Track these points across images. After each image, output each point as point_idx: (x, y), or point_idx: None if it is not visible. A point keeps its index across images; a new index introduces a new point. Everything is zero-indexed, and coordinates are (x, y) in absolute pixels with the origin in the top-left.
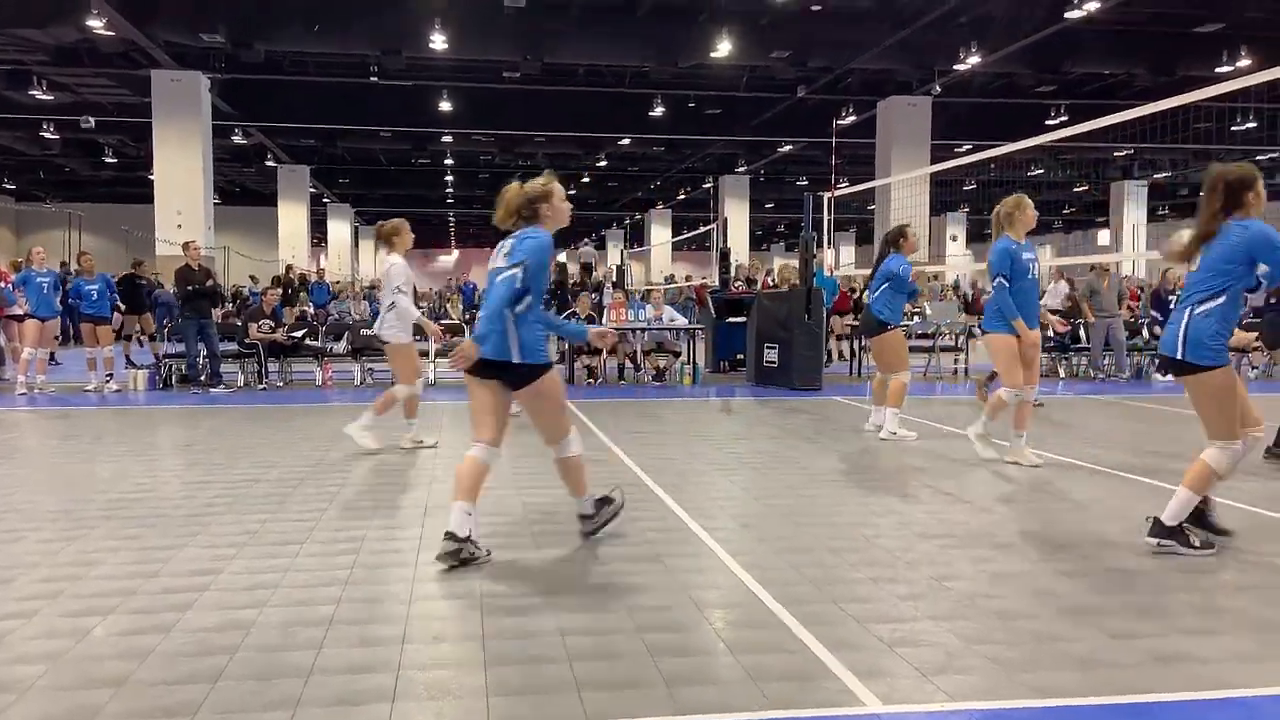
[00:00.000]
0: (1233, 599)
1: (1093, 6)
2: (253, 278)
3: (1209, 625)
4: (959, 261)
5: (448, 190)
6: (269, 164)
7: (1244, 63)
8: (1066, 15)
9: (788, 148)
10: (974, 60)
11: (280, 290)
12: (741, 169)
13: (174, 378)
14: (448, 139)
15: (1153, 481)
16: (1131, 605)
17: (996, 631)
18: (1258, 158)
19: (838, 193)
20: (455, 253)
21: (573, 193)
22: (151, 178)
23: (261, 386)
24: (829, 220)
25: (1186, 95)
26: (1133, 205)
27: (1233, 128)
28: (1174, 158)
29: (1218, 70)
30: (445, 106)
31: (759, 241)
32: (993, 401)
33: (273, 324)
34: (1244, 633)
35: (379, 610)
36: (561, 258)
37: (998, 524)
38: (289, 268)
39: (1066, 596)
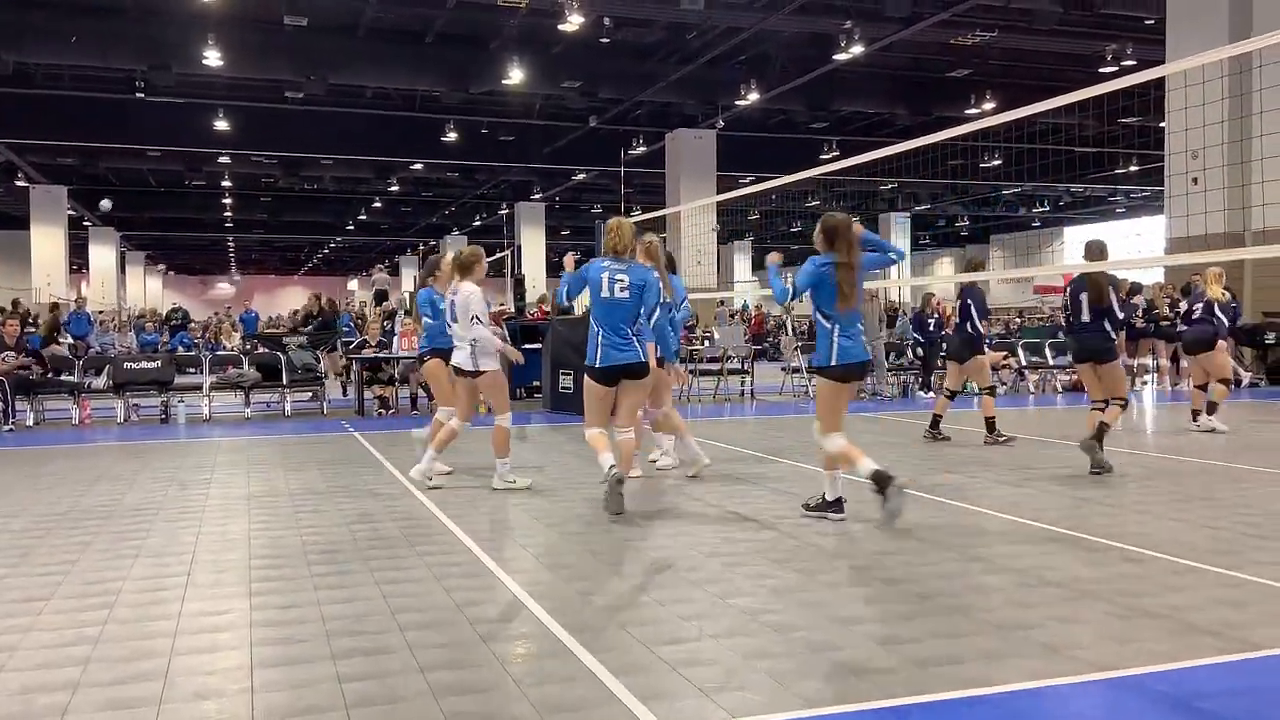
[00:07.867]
0: (985, 600)
1: (857, 50)
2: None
3: (961, 628)
4: (745, 287)
5: (226, 214)
6: (20, 184)
7: (988, 105)
8: (835, 58)
9: (581, 176)
10: (753, 97)
11: (19, 320)
12: (537, 196)
13: None
14: (225, 160)
15: (914, 493)
16: (896, 613)
17: (774, 645)
18: (1003, 192)
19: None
20: (238, 278)
21: (364, 218)
22: None
23: (8, 428)
24: None
25: (939, 134)
26: (899, 235)
27: (980, 164)
28: (933, 191)
29: (967, 112)
30: (221, 126)
31: (555, 268)
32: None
33: (15, 356)
34: (991, 633)
35: (134, 669)
36: (352, 285)
37: (777, 540)
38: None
39: (838, 607)
